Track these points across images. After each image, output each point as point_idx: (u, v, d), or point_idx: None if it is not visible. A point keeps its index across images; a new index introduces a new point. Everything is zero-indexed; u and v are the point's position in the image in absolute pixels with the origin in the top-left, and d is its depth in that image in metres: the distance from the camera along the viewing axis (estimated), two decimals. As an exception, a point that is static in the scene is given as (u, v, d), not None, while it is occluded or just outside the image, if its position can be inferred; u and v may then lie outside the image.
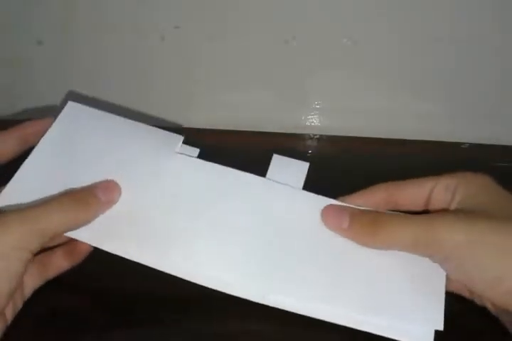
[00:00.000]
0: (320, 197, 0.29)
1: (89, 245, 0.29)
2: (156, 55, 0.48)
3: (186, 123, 0.50)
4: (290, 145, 0.48)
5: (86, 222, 0.27)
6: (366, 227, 0.26)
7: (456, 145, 0.47)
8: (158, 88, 0.50)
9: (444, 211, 0.27)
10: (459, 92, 0.46)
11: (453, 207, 0.27)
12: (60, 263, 0.30)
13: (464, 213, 0.26)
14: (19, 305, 0.28)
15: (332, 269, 0.27)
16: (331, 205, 0.28)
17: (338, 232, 0.27)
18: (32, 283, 0.29)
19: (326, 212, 0.28)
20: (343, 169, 0.43)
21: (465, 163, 0.45)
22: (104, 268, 0.31)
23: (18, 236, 0.24)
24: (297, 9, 0.44)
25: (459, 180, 0.28)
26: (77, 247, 0.30)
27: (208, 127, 0.49)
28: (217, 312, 0.29)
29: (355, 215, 0.27)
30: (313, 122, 0.49)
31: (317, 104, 0.48)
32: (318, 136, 0.49)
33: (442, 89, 0.46)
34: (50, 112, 0.51)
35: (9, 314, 0.26)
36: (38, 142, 0.30)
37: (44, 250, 0.30)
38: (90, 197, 0.27)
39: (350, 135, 0.48)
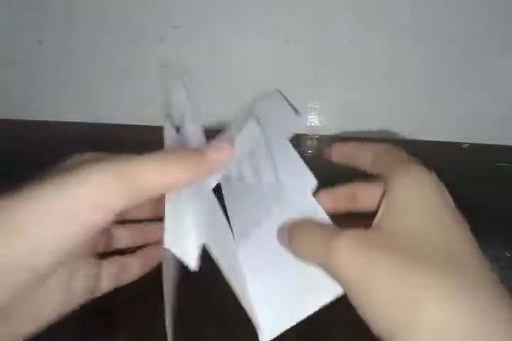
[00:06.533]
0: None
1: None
2: (155, 55, 0.48)
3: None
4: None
5: (188, 182, 0.22)
6: (285, 234, 0.24)
7: (456, 145, 0.47)
8: (158, 87, 0.50)
9: (349, 232, 0.21)
10: (459, 92, 0.46)
11: (374, 221, 0.22)
12: (134, 270, 0.26)
13: (371, 236, 0.20)
14: (83, 295, 0.22)
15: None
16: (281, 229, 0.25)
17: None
18: (107, 283, 0.24)
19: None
20: (343, 169, 0.43)
21: (465, 163, 0.45)
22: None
23: (101, 190, 0.18)
24: (297, 9, 0.44)
25: (388, 185, 0.23)
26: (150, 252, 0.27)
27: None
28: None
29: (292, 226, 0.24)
30: (313, 122, 0.49)
31: (317, 104, 0.48)
32: (318, 136, 0.49)
33: (442, 89, 0.46)
34: (49, 113, 0.52)
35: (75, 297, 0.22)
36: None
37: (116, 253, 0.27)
38: (197, 155, 0.22)
39: (350, 135, 0.48)
